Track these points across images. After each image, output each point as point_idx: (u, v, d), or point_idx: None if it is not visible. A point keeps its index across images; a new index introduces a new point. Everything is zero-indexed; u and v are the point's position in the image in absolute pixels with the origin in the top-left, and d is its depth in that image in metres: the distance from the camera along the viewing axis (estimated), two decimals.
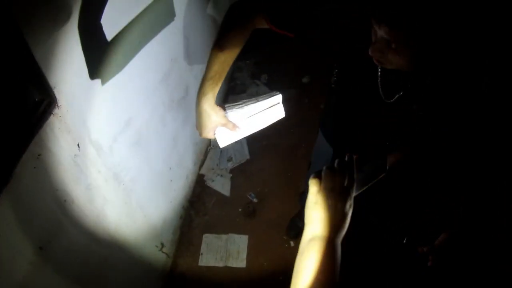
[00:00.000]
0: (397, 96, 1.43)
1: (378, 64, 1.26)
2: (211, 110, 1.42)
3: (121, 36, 1.62)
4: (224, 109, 1.48)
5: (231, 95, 3.95)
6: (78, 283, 1.63)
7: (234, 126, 1.49)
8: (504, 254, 1.39)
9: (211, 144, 3.56)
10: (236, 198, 3.28)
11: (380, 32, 1.15)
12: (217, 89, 1.43)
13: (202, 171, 3.40)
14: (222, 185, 3.32)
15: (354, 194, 1.06)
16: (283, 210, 3.16)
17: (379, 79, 1.44)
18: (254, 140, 3.58)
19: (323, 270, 0.92)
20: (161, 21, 1.99)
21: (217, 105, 1.45)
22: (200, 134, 1.49)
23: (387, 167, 1.31)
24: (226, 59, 1.45)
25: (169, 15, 2.07)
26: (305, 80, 4.09)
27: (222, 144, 1.54)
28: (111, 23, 1.56)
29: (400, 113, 1.47)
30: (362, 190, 1.20)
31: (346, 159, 1.10)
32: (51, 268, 1.45)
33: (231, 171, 3.45)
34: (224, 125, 1.47)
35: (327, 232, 0.97)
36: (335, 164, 1.07)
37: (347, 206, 1.01)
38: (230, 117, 1.48)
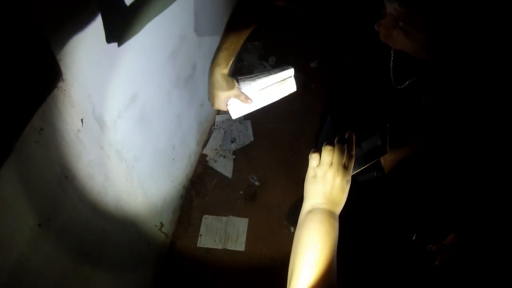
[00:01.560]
0: (408, 82, 1.41)
1: (384, 41, 1.24)
2: (224, 81, 1.41)
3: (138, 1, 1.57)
4: (237, 81, 1.48)
5: (238, 75, 3.90)
6: (75, 261, 1.60)
7: (247, 98, 1.49)
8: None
9: (215, 124, 3.52)
10: (237, 181, 3.25)
11: (389, 8, 1.13)
12: (231, 60, 1.41)
13: (205, 151, 3.36)
14: (224, 166, 3.29)
15: (353, 171, 1.11)
16: (284, 196, 3.15)
17: (391, 63, 1.41)
18: (259, 123, 3.55)
19: (323, 239, 0.96)
20: None
21: (230, 76, 1.44)
22: (212, 105, 1.49)
23: (386, 150, 1.35)
24: (241, 33, 1.43)
25: None
26: (313, 65, 4.04)
27: (234, 115, 1.54)
28: None
29: (409, 101, 1.44)
30: (361, 168, 1.27)
31: (346, 136, 1.12)
32: (49, 245, 1.41)
33: (234, 152, 3.41)
34: (236, 96, 1.47)
35: (325, 204, 1.03)
36: (335, 141, 1.10)
37: (345, 181, 1.06)
38: (242, 89, 1.49)
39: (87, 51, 1.38)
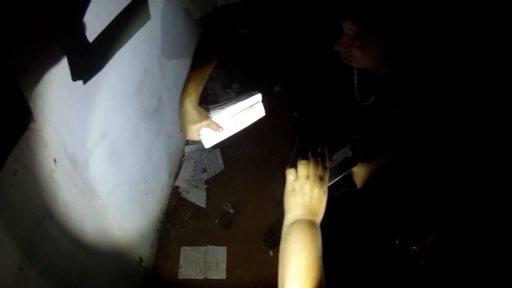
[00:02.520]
0: (372, 98, 1.45)
1: (345, 61, 1.29)
2: (195, 111, 1.43)
3: (101, 37, 1.58)
4: (207, 110, 1.49)
5: (203, 104, 3.92)
6: None
7: (218, 126, 1.51)
8: (495, 252, 1.42)
9: (185, 155, 3.52)
10: (212, 209, 3.25)
11: (346, 28, 1.19)
12: (200, 90, 1.44)
13: (177, 183, 3.35)
14: (197, 197, 3.28)
15: (328, 182, 1.19)
16: (260, 220, 3.15)
17: (355, 82, 1.46)
18: (228, 151, 3.56)
19: (307, 247, 1.01)
20: (138, 21, 1.97)
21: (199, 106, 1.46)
22: (185, 135, 1.51)
23: (357, 160, 1.41)
24: (208, 62, 1.47)
25: (145, 16, 2.04)
26: (276, 88, 4.09)
27: (207, 144, 1.56)
28: (92, 24, 1.52)
29: (376, 115, 1.49)
30: (336, 179, 1.34)
31: (318, 150, 1.21)
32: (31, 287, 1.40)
33: (206, 182, 3.41)
34: (208, 125, 1.49)
35: (306, 215, 1.09)
36: (309, 155, 1.19)
37: (322, 191, 1.13)
38: (213, 118, 1.51)
39: (55, 90, 1.38)
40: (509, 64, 1.56)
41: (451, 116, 1.41)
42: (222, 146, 3.57)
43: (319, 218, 1.12)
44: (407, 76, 1.35)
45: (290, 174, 1.16)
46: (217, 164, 3.51)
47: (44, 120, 1.35)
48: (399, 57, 1.20)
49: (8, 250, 1.26)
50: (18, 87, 1.18)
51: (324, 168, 1.18)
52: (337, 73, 1.50)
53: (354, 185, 1.72)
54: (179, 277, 2.85)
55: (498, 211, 1.52)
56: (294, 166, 1.17)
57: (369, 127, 1.56)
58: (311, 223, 1.08)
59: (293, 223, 1.09)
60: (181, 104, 1.44)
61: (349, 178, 1.71)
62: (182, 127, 1.50)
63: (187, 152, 3.54)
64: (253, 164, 3.54)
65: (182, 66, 3.04)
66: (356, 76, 1.45)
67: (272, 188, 3.34)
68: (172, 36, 2.73)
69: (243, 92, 1.62)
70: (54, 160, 1.46)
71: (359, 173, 1.67)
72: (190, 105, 1.42)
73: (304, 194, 1.12)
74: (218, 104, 1.54)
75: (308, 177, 1.13)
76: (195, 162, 3.49)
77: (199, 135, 1.53)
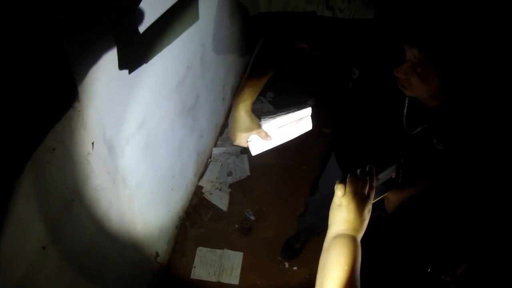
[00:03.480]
0: (419, 128, 1.43)
1: (400, 87, 1.27)
2: (248, 117, 1.43)
3: (151, 31, 1.59)
4: (258, 118, 1.49)
5: (255, 112, 3.93)
6: (74, 285, 1.57)
7: (267, 135, 1.49)
8: None
9: (212, 156, 3.51)
10: (233, 214, 3.24)
11: (409, 54, 1.17)
12: (254, 98, 1.44)
13: (201, 183, 3.35)
14: (220, 199, 3.28)
15: (372, 200, 1.23)
16: (279, 231, 3.14)
17: (405, 110, 1.44)
18: (255, 158, 3.53)
19: (349, 261, 1.05)
20: (187, 20, 1.98)
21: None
22: (233, 140, 1.50)
23: (400, 181, 1.45)
24: (265, 73, 1.48)
25: (194, 17, 2.05)
26: (310, 102, 4.06)
27: (254, 152, 1.56)
28: (144, 17, 1.53)
29: (420, 144, 1.47)
30: (378, 198, 1.39)
31: (367, 169, 1.27)
32: (50, 268, 1.39)
33: (230, 186, 3.40)
34: (258, 133, 1.48)
35: (349, 231, 1.13)
36: (358, 173, 1.24)
37: (366, 210, 1.18)
38: (262, 126, 1.50)
39: (103, 75, 1.38)
40: None
41: (493, 156, 1.39)
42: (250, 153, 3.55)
43: (360, 235, 1.15)
44: (456, 112, 1.32)
45: (339, 189, 1.20)
46: (243, 170, 3.50)
47: (88, 102, 1.35)
48: (451, 87, 1.18)
49: (35, 227, 1.26)
50: (69, 66, 1.18)
51: (371, 186, 1.23)
52: (388, 98, 1.47)
53: (385, 210, 1.70)
54: (192, 276, 2.84)
55: None
56: (344, 181, 1.21)
57: (412, 155, 1.54)
58: (353, 239, 1.11)
59: (336, 237, 1.13)
60: (235, 108, 1.44)
61: (381, 203, 1.69)
62: (232, 131, 1.49)
63: (214, 154, 3.54)
64: (278, 174, 3.52)
65: (221, 67, 3.06)
66: (406, 104, 1.43)
67: (295, 200, 3.33)
68: (216, 37, 2.73)
69: (276, 101, 1.62)
70: (92, 143, 1.46)
71: (392, 199, 1.65)
72: (244, 111, 1.42)
73: (350, 210, 1.16)
74: (268, 113, 1.53)
75: (356, 193, 1.18)
76: (221, 164, 3.48)
77: (248, 141, 1.52)
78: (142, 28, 1.54)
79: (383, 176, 1.42)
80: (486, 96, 1.25)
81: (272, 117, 1.52)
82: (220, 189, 3.34)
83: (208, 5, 2.36)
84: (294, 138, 1.61)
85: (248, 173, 3.48)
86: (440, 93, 1.22)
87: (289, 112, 1.54)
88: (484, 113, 1.29)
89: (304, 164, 3.60)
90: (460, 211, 1.66)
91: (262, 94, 4.07)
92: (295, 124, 1.56)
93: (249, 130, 1.45)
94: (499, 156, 1.38)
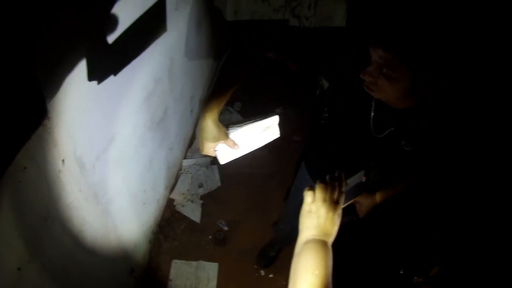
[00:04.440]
0: (387, 131, 1.46)
1: (367, 90, 1.30)
2: (215, 126, 1.43)
3: (118, 41, 1.59)
4: (226, 127, 1.49)
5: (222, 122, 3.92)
6: None
7: (235, 143, 1.50)
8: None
9: (182, 169, 3.50)
10: (206, 225, 3.23)
11: (375, 56, 1.20)
12: (221, 107, 1.44)
13: (173, 196, 3.33)
14: (192, 211, 3.26)
15: (342, 205, 1.24)
16: (254, 239, 3.13)
17: (372, 114, 1.46)
18: (226, 168, 3.53)
19: (319, 266, 1.06)
20: (155, 32, 1.99)
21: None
22: (202, 150, 1.50)
23: (370, 185, 1.49)
24: (233, 82, 1.49)
25: (162, 28, 2.06)
26: (278, 111, 4.10)
27: (222, 161, 1.56)
28: (113, 29, 1.54)
29: (388, 147, 1.50)
30: (348, 203, 1.46)
31: (336, 175, 1.29)
32: None
33: (202, 197, 3.39)
34: (225, 142, 1.49)
35: (320, 236, 1.15)
36: (327, 179, 1.26)
37: (336, 215, 1.19)
38: (230, 135, 1.51)
39: (72, 92, 1.37)
40: None
41: (463, 157, 1.43)
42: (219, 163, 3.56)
43: (331, 240, 1.17)
44: (424, 114, 1.35)
45: (308, 196, 1.22)
46: (214, 180, 3.49)
47: (58, 119, 1.34)
48: (422, 90, 1.21)
49: (9, 248, 1.24)
50: (37, 82, 1.18)
51: (341, 192, 1.25)
52: (354, 102, 1.50)
53: (357, 214, 1.73)
54: None
55: (506, 247, 1.52)
56: (313, 188, 1.23)
57: (381, 159, 1.57)
58: (324, 243, 1.13)
59: (306, 242, 1.14)
60: (202, 118, 1.43)
61: (353, 207, 1.71)
62: (200, 141, 1.49)
63: (184, 166, 3.53)
64: (250, 183, 3.53)
65: (188, 79, 3.05)
66: (373, 108, 1.46)
67: (268, 208, 3.34)
68: (183, 49, 2.74)
69: (244, 111, 1.63)
70: (63, 160, 1.45)
71: (364, 203, 1.68)
72: (211, 120, 1.42)
73: (319, 216, 1.18)
74: (235, 122, 1.54)
75: (325, 200, 1.20)
76: (192, 176, 3.47)
77: (215, 150, 1.53)
78: (110, 39, 1.54)
79: (352, 181, 1.45)
80: (463, 96, 1.28)
81: (239, 126, 1.53)
82: (192, 201, 3.33)
83: (176, 17, 2.37)
84: (263, 146, 1.62)
85: (219, 184, 3.48)
86: (408, 95, 1.25)
87: (256, 121, 1.55)
88: (463, 113, 1.32)
89: (277, 172, 3.62)
90: (434, 213, 1.70)
91: (230, 104, 4.09)
92: (262, 132, 1.58)
93: (217, 139, 1.46)
94: (475, 155, 1.42)
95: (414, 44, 1.10)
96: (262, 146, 1.61)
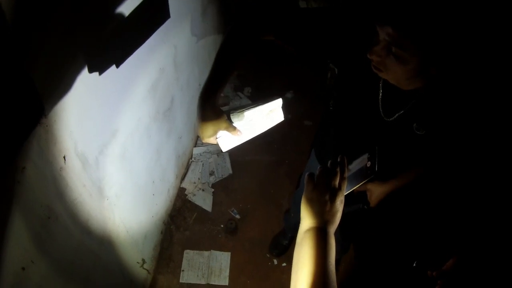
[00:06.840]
0: (397, 115, 1.40)
1: (375, 70, 1.24)
2: (214, 113, 1.38)
3: (119, 31, 1.56)
4: (226, 113, 1.44)
5: (222, 107, 3.89)
6: None
7: (236, 130, 1.44)
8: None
9: (192, 157, 3.47)
10: (218, 214, 3.20)
11: (383, 34, 1.13)
12: (220, 92, 1.39)
13: (184, 185, 3.31)
14: (203, 200, 3.24)
15: (345, 192, 1.21)
16: (265, 228, 3.11)
17: (380, 96, 1.41)
18: (237, 155, 3.51)
19: (321, 254, 1.04)
20: (157, 19, 1.94)
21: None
22: (202, 138, 1.44)
23: (376, 170, 1.39)
24: (230, 66, 1.43)
25: (165, 15, 2.02)
26: (288, 95, 4.05)
27: (224, 148, 1.50)
28: (112, 19, 1.50)
29: (400, 131, 1.44)
30: (352, 189, 1.40)
31: (338, 159, 1.23)
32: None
33: (213, 185, 3.36)
34: (226, 128, 1.42)
35: (321, 224, 1.12)
36: (328, 165, 1.21)
37: (338, 202, 1.16)
38: (232, 121, 1.45)
39: (69, 86, 1.34)
40: None
41: (478, 141, 1.36)
42: (231, 150, 3.52)
43: (334, 227, 1.14)
44: (436, 95, 1.29)
45: (309, 183, 1.19)
46: (225, 168, 3.46)
47: (56, 116, 1.31)
48: (432, 71, 1.15)
49: (11, 249, 1.22)
50: (31, 81, 1.14)
51: (342, 178, 1.21)
52: (362, 86, 1.44)
53: (367, 203, 1.68)
54: (181, 280, 2.80)
55: None
56: (313, 175, 1.20)
57: (391, 144, 1.51)
58: (326, 231, 1.10)
59: (308, 230, 1.12)
60: (200, 105, 1.38)
61: (364, 195, 1.67)
62: (199, 129, 1.44)
63: (195, 154, 3.50)
64: (261, 170, 3.49)
65: (195, 66, 3.00)
66: (381, 90, 1.40)
67: (280, 196, 3.31)
68: (189, 37, 2.69)
69: (254, 96, 1.57)
70: (64, 157, 1.42)
71: (375, 191, 1.62)
72: (210, 107, 1.37)
73: (321, 203, 1.14)
74: (236, 108, 1.49)
75: (326, 186, 1.17)
76: (202, 164, 3.45)
77: (217, 138, 1.47)
78: (110, 29, 1.50)
79: (354, 166, 1.41)
80: (472, 78, 1.23)
81: (241, 111, 1.47)
82: (203, 190, 3.30)
83: (179, 3, 2.31)
84: (274, 132, 1.57)
85: (231, 172, 3.45)
86: (418, 75, 1.19)
87: (258, 105, 1.50)
88: (472, 96, 1.27)
89: (288, 159, 3.57)
90: (448, 203, 1.65)
91: (239, 89, 4.04)
92: (266, 116, 1.52)
93: (216, 126, 1.40)
94: (488, 142, 1.36)
95: (425, 22, 1.04)
96: (272, 131, 1.56)
